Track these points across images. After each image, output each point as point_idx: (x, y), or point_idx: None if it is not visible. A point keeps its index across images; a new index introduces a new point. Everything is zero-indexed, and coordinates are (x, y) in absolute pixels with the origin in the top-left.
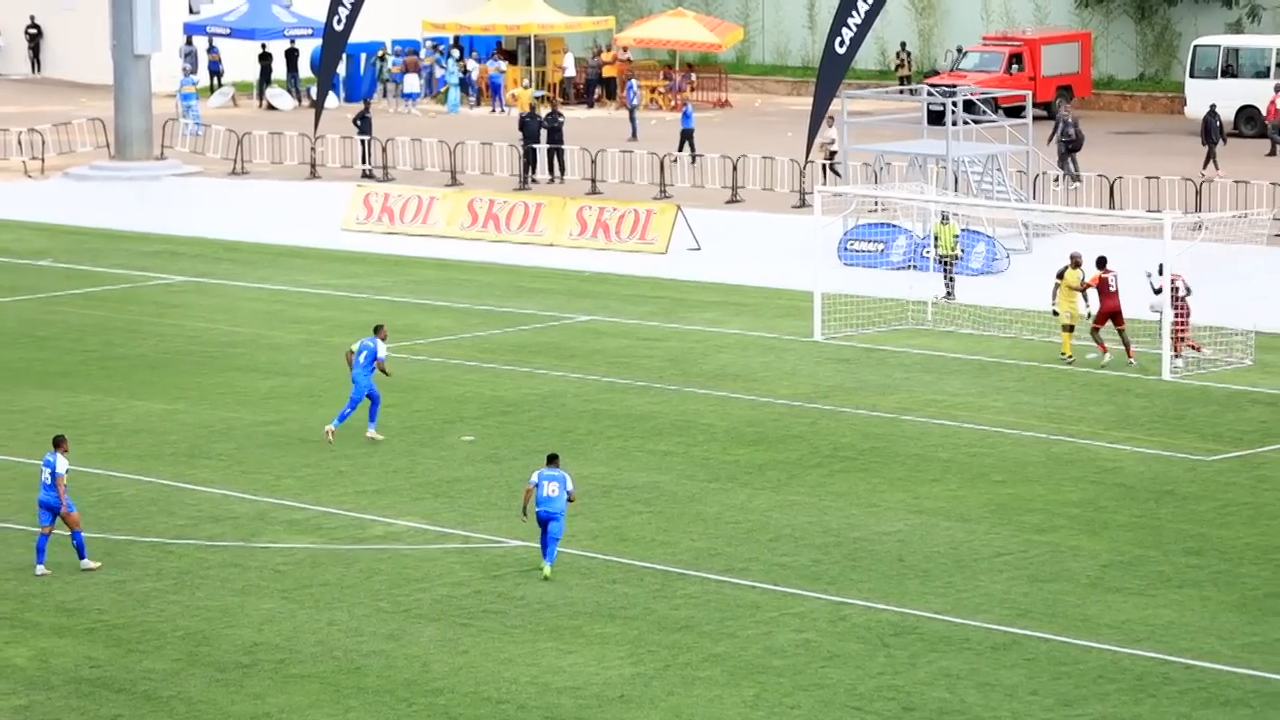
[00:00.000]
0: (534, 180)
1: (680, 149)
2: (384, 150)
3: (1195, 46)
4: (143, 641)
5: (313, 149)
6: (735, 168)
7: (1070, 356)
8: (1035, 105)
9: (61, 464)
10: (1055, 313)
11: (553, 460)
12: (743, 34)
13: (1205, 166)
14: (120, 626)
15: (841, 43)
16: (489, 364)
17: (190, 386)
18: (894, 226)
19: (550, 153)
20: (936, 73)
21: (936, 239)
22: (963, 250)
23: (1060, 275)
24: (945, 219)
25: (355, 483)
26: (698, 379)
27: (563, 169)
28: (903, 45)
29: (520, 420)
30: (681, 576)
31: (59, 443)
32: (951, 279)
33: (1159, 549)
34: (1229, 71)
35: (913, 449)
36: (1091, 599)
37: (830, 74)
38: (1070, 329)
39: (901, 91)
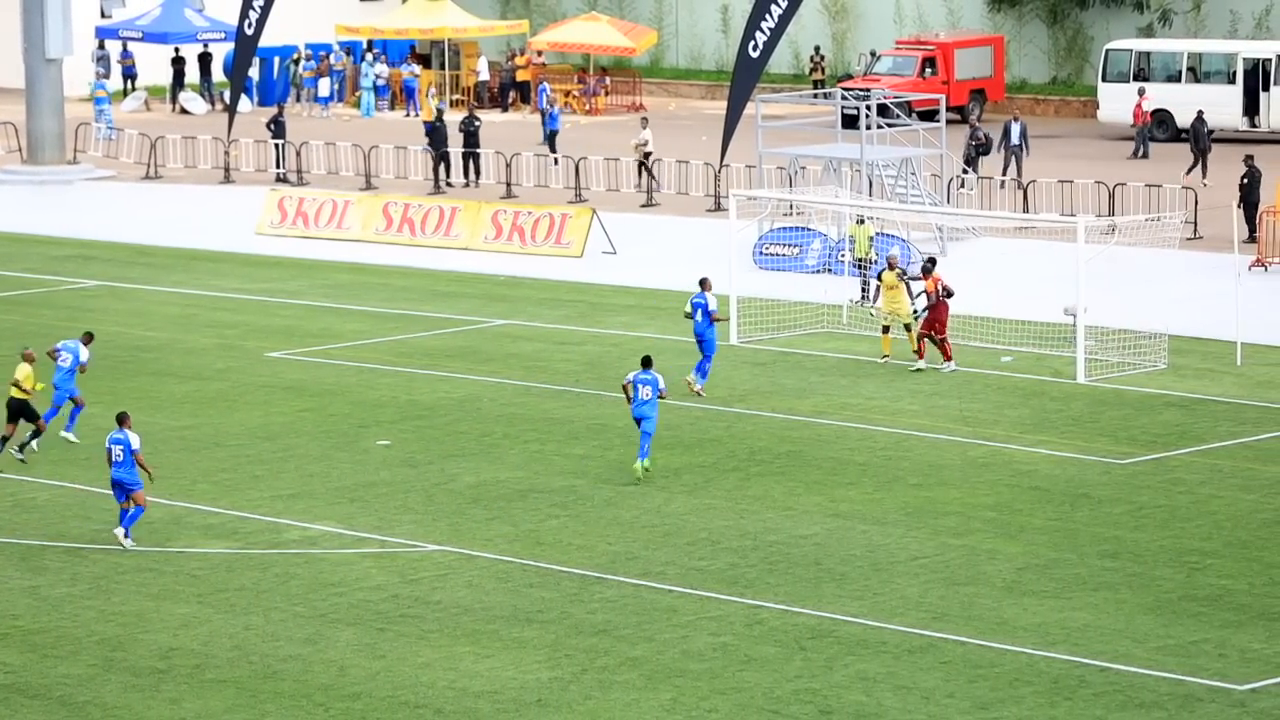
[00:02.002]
0: (448, 184)
1: (551, 150)
2: (298, 154)
3: (1107, 50)
4: (58, 647)
5: (226, 153)
6: (651, 172)
7: (888, 356)
8: (949, 109)
9: (135, 439)
10: (873, 311)
11: (646, 363)
12: (656, 38)
13: (1189, 173)
14: (35, 632)
15: (755, 46)
16: (405, 368)
17: (104, 391)
18: (809, 230)
19: (466, 157)
20: (850, 76)
21: (852, 241)
22: (878, 254)
23: (879, 276)
24: (861, 221)
25: (271, 487)
26: (614, 383)
27: (478, 173)
28: (817, 49)
29: (436, 424)
30: (598, 580)
31: (123, 419)
32: (867, 282)
33: (1074, 552)
34: (1141, 75)
35: (829, 452)
36: (1007, 602)
37: (744, 78)
38: (887, 329)
39: (815, 95)
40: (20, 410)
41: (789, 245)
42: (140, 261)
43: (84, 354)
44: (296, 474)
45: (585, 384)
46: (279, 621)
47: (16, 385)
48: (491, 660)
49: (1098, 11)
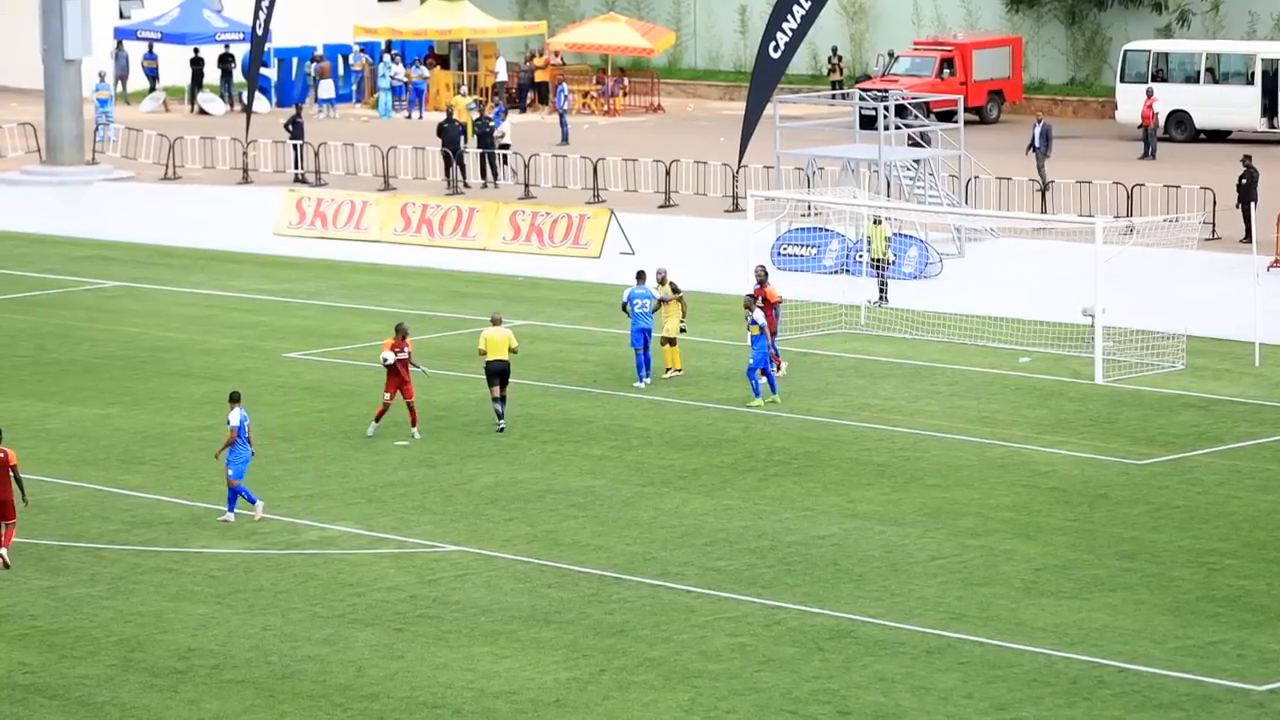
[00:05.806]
0: (465, 185)
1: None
2: (316, 155)
3: (1126, 51)
4: (76, 647)
5: (245, 154)
6: (668, 172)
7: (681, 370)
8: (967, 110)
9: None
10: (683, 330)
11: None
12: (674, 38)
13: None
14: (53, 632)
15: (776, 47)
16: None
17: (123, 392)
18: (827, 231)
19: (483, 158)
20: (868, 77)
21: (869, 242)
22: (895, 254)
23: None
24: (878, 221)
25: (289, 487)
26: (631, 383)
27: (495, 174)
28: (834, 50)
29: (454, 425)
30: (616, 581)
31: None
32: (885, 283)
33: (1092, 553)
34: (1159, 76)
35: (847, 453)
36: (1025, 603)
37: (764, 78)
38: (673, 342)
39: (833, 96)
40: (501, 374)
41: (807, 246)
42: (159, 262)
43: (656, 293)
44: (314, 474)
45: (603, 384)
46: (297, 622)
47: (483, 353)
48: (509, 661)
49: (1116, 12)
